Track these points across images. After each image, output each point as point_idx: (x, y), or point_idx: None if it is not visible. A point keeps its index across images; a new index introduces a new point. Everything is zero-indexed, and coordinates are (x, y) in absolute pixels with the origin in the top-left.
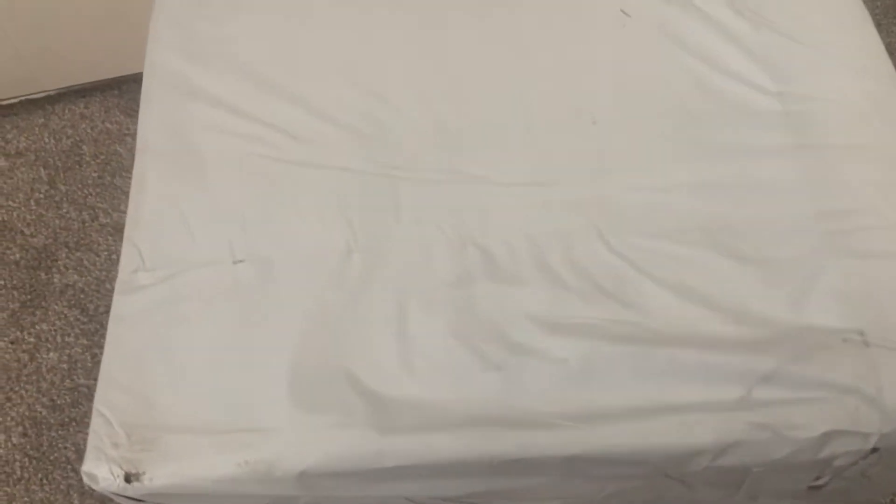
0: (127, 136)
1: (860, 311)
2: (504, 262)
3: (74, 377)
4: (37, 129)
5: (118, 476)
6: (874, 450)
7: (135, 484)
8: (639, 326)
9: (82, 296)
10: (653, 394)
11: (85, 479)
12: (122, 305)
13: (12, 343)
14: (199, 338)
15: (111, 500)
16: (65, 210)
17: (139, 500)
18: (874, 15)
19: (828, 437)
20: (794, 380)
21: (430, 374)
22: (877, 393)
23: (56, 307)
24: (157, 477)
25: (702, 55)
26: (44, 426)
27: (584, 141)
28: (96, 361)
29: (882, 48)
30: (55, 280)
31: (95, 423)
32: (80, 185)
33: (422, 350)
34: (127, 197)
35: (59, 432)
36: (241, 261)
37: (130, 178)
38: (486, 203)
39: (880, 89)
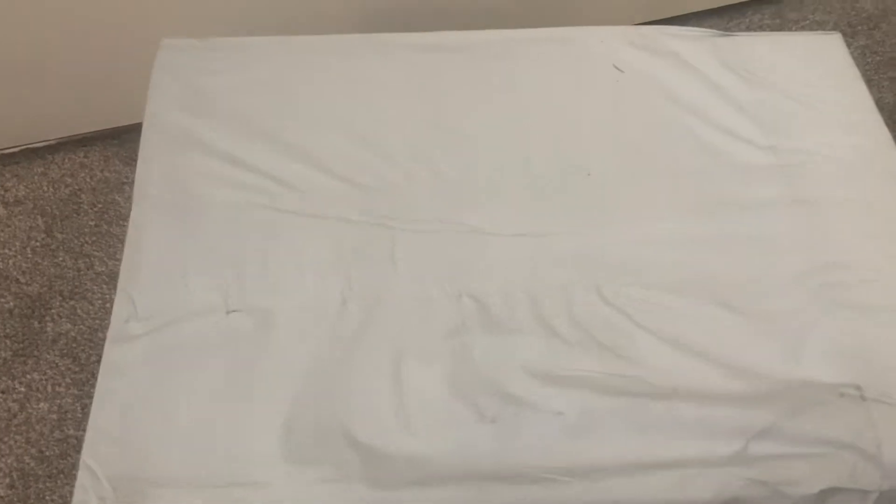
0: (125, 185)
1: (856, 366)
2: (500, 314)
3: (64, 428)
4: (36, 177)
5: None
6: None
7: None
8: (634, 379)
9: (74, 345)
10: (649, 448)
11: None
12: (114, 355)
13: (3, 393)
14: (191, 389)
15: None
16: (60, 258)
17: None
18: (865, 71)
19: (827, 494)
20: (791, 435)
21: (425, 428)
22: (875, 449)
23: (48, 356)
24: None
25: (694, 110)
26: (31, 478)
27: (580, 194)
28: (86, 412)
29: (872, 104)
30: (48, 329)
31: (82, 476)
32: (76, 234)
33: (417, 403)
34: (123, 245)
35: (47, 484)
36: (235, 311)
37: (127, 226)
38: (482, 254)
39: (870, 144)
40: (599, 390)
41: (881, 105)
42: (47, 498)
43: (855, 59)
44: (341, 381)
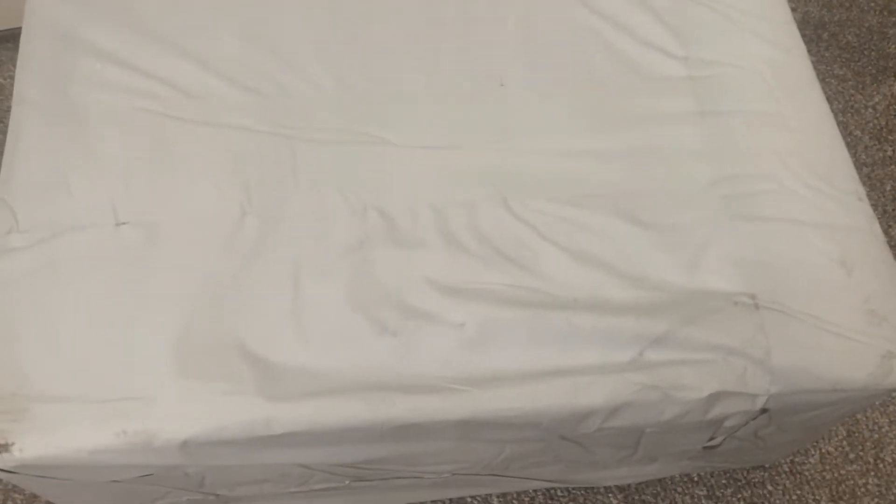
0: None
1: (752, 275)
2: (404, 227)
3: None
4: None
5: None
6: (764, 410)
7: (3, 455)
8: (537, 291)
9: None
10: (547, 357)
11: None
12: None
13: None
14: (77, 304)
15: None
16: None
17: (12, 472)
18: None
19: (715, 397)
20: (684, 342)
21: (323, 341)
22: (764, 355)
23: None
24: (27, 448)
25: (610, 18)
26: None
27: (490, 104)
28: None
29: (790, 15)
30: None
31: None
32: None
33: (315, 316)
34: None
35: None
36: (124, 223)
37: None
38: (389, 167)
39: (784, 57)
40: (501, 302)
41: (807, 19)
42: None
43: None
44: (237, 296)
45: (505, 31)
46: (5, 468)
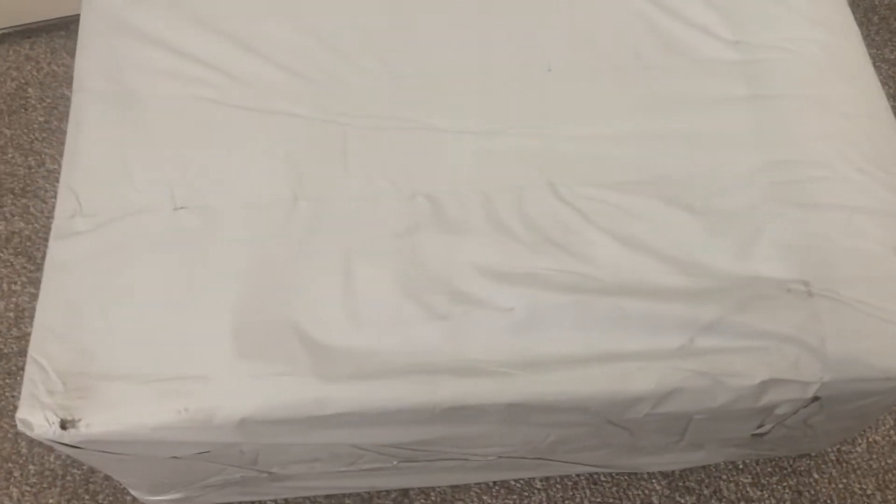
0: None
1: (805, 262)
2: (453, 213)
3: (21, 326)
4: None
5: (53, 423)
6: (815, 398)
7: (70, 431)
8: (585, 276)
9: (29, 243)
10: (595, 342)
11: (20, 426)
12: (59, 251)
13: None
14: (138, 285)
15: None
16: (10, 155)
17: (77, 447)
18: None
19: (767, 384)
20: (735, 329)
21: (374, 323)
22: (818, 343)
23: (2, 255)
24: (93, 424)
25: (659, 2)
26: None
27: (538, 90)
28: None
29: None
30: (1, 228)
31: (30, 370)
32: (25, 130)
33: (367, 299)
34: None
35: (6, 381)
36: (182, 207)
37: None
38: (437, 152)
39: (837, 41)
40: (549, 287)
41: (857, 2)
42: (8, 394)
43: None
44: (290, 278)
45: (552, 16)
46: (72, 443)
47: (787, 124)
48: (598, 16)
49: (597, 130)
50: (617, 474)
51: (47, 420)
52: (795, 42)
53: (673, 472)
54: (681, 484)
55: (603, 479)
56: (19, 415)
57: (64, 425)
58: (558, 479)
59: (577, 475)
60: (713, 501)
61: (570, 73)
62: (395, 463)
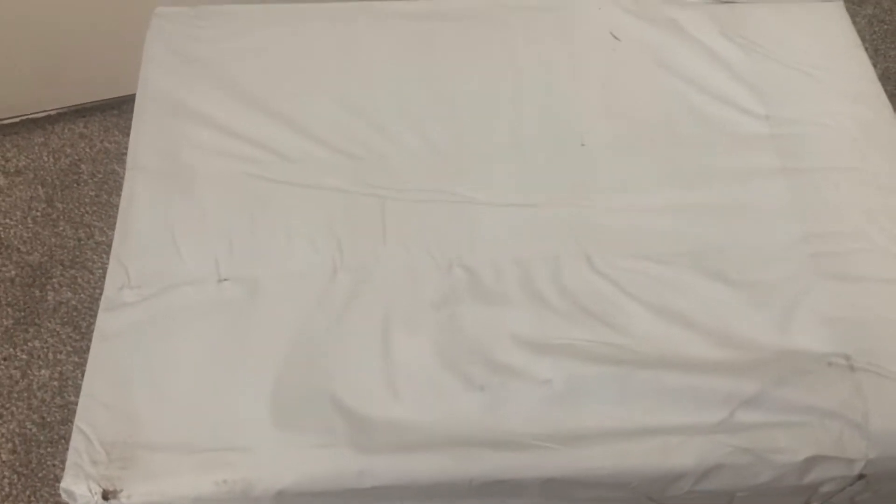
0: (125, 156)
1: (846, 335)
2: (490, 283)
3: (65, 394)
4: (36, 147)
5: (96, 493)
6: (861, 476)
7: (112, 502)
8: (623, 348)
9: (75, 313)
10: (635, 416)
11: (63, 496)
12: (107, 322)
13: (4, 360)
14: (182, 356)
15: None
16: (61, 228)
17: None
18: (872, 41)
19: (812, 461)
20: (777, 403)
21: (412, 395)
22: (862, 418)
23: (49, 324)
24: (135, 494)
25: (691, 79)
26: (33, 443)
27: (573, 163)
28: None
29: (873, 73)
30: (49, 297)
31: (75, 440)
32: (76, 204)
33: (405, 370)
34: None
35: (48, 449)
36: (226, 279)
37: None
38: (474, 224)
39: (869, 114)
40: (586, 359)
41: (888, 75)
42: (49, 463)
43: (862, 28)
44: (330, 349)
45: (585, 93)
46: None
47: (823, 196)
48: (630, 92)
49: (632, 202)
50: None
51: (90, 490)
52: (825, 115)
53: None
54: None
55: None
56: (63, 484)
57: (106, 496)
58: None
59: None
60: None
61: (604, 146)
62: None
